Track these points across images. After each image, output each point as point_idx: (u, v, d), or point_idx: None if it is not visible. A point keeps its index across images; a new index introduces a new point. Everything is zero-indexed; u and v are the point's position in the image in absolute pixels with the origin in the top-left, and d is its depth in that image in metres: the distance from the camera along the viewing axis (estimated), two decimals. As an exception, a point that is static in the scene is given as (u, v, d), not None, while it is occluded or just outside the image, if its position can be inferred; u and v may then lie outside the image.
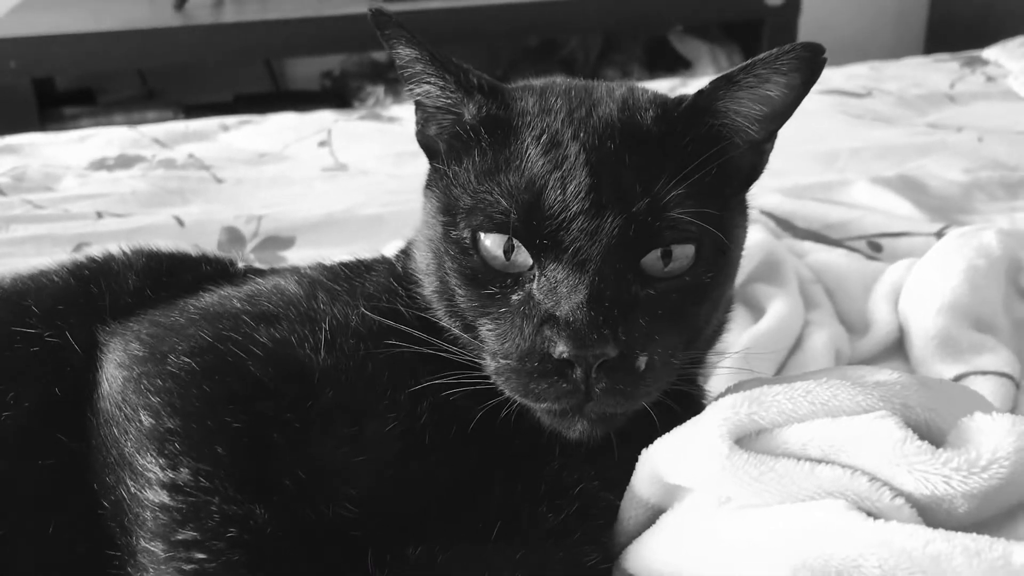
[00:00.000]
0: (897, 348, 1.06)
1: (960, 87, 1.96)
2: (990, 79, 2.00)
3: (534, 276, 0.65)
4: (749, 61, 0.67)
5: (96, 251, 0.84)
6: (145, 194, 1.54)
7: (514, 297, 0.65)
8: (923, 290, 1.06)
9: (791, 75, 0.68)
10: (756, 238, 1.15)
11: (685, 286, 0.66)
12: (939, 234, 1.27)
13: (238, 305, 0.72)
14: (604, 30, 3.35)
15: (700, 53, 3.26)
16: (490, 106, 0.70)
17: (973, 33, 3.14)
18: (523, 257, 0.65)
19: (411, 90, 0.73)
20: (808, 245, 1.26)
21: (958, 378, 0.95)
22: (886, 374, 0.64)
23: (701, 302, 0.68)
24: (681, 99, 0.70)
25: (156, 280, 0.78)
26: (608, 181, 0.64)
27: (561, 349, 0.61)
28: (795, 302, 1.09)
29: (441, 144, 0.73)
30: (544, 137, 0.67)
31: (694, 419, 0.63)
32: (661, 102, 0.71)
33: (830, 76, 2.07)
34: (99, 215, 1.46)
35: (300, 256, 1.29)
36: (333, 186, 1.60)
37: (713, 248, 0.67)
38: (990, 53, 2.11)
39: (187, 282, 0.78)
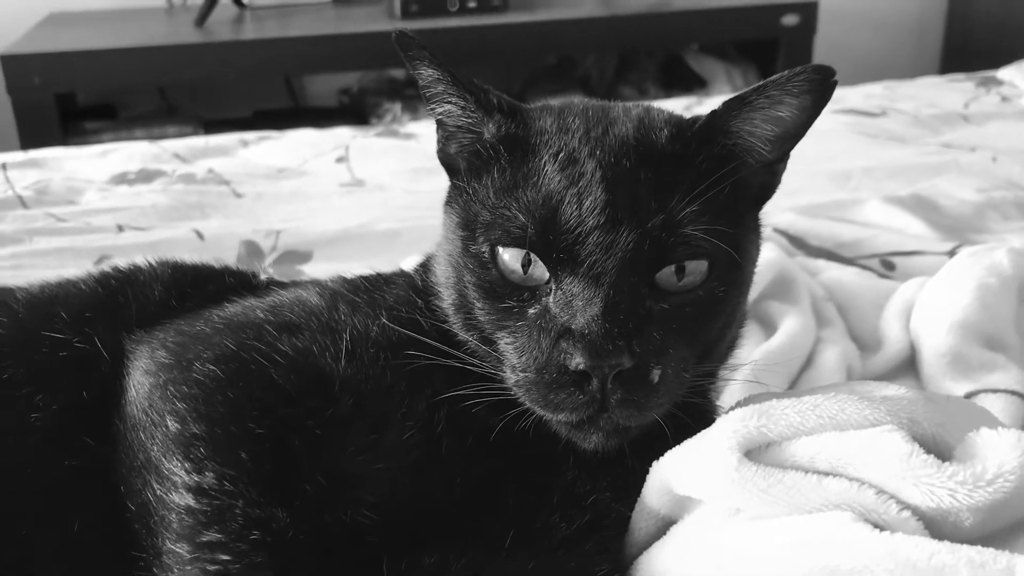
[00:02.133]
0: (908, 366, 1.07)
1: (974, 107, 1.97)
2: (1005, 99, 2.01)
3: (551, 290, 0.66)
4: (761, 83, 0.69)
5: (121, 262, 0.87)
6: (165, 208, 1.56)
7: (531, 311, 0.67)
8: (934, 308, 1.07)
9: (803, 97, 0.69)
10: (769, 256, 1.16)
11: (698, 301, 0.67)
12: (951, 253, 1.28)
13: (261, 315, 0.73)
14: (620, 49, 3.37)
15: (716, 72, 3.28)
16: (509, 125, 0.72)
17: (990, 53, 3.15)
18: (540, 271, 0.67)
19: (432, 109, 0.75)
20: (821, 263, 1.27)
21: (968, 396, 0.95)
22: (893, 389, 0.65)
23: (714, 317, 0.69)
24: (695, 119, 0.72)
25: (181, 291, 0.80)
26: (623, 197, 0.65)
27: (578, 361, 0.62)
28: (807, 319, 1.10)
29: (461, 162, 0.75)
30: (561, 155, 0.68)
31: (704, 431, 0.65)
32: (676, 122, 0.72)
33: (845, 95, 2.08)
34: (120, 228, 1.49)
35: (317, 270, 1.31)
36: (350, 201, 1.62)
37: (726, 264, 0.68)
38: (1005, 73, 2.12)
39: (211, 293, 0.80)
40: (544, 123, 0.72)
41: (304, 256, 1.40)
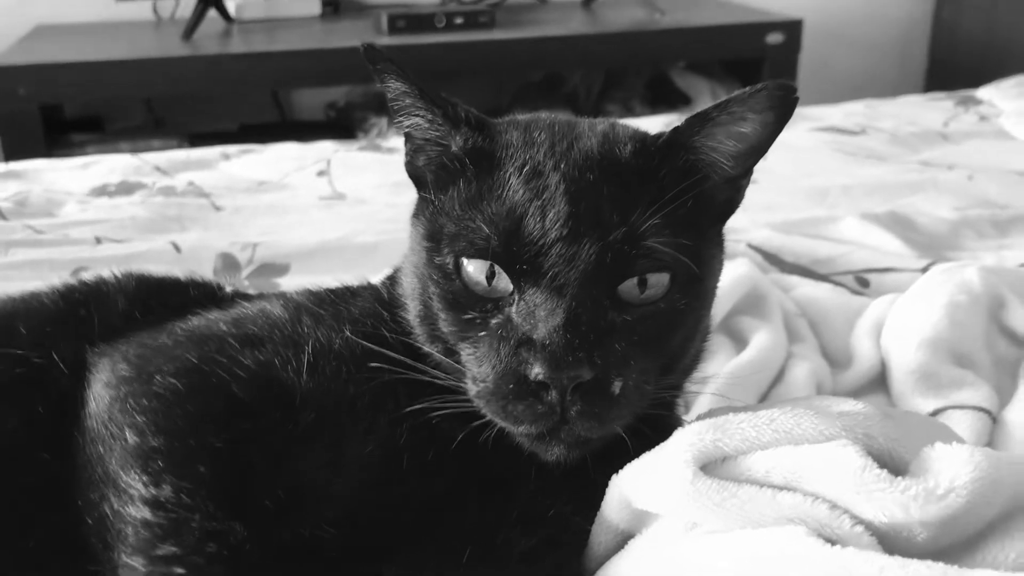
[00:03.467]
0: (879, 382, 1.07)
1: (953, 125, 1.98)
2: (983, 118, 2.02)
3: (514, 300, 0.66)
4: (724, 99, 0.69)
5: (88, 275, 0.86)
6: (144, 220, 1.56)
7: (493, 321, 0.67)
8: (904, 325, 1.07)
9: (765, 113, 0.69)
10: (741, 271, 1.17)
11: (660, 313, 0.68)
12: (925, 270, 1.29)
13: (224, 328, 0.73)
14: (607, 66, 3.39)
15: (701, 89, 3.29)
16: (476, 138, 0.72)
17: (973, 72, 3.17)
18: (504, 283, 0.67)
19: (400, 122, 0.76)
20: (795, 279, 1.28)
21: (936, 412, 0.96)
22: (850, 404, 0.65)
23: (675, 329, 0.69)
24: (660, 135, 0.72)
25: (145, 303, 0.80)
26: (586, 210, 0.66)
27: (537, 371, 0.62)
28: (779, 335, 1.10)
29: (429, 174, 0.75)
30: (526, 168, 0.69)
31: (661, 445, 0.65)
32: (640, 137, 0.73)
33: (826, 114, 2.10)
34: (98, 240, 1.48)
35: (294, 283, 1.31)
36: (330, 214, 1.62)
37: (688, 277, 0.69)
38: (984, 93, 2.14)
39: (176, 305, 0.80)
40: (510, 137, 0.72)
41: (281, 269, 1.40)
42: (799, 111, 2.11)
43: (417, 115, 0.74)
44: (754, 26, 3.09)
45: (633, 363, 0.65)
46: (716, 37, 3.12)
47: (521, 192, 0.67)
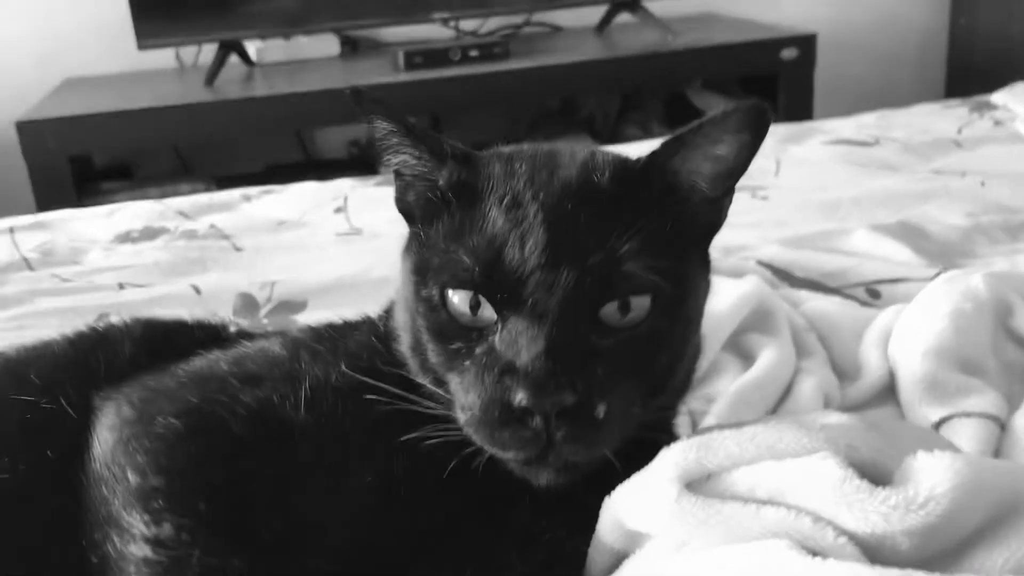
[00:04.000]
0: (888, 393, 1.07)
1: (967, 132, 1.98)
2: (998, 123, 2.01)
3: (497, 329, 0.68)
4: (698, 122, 0.71)
5: (100, 322, 0.90)
6: (166, 264, 1.60)
7: (478, 350, 0.68)
8: (910, 335, 1.07)
9: (740, 134, 0.71)
10: (746, 288, 1.17)
11: (642, 336, 0.69)
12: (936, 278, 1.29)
13: (225, 368, 0.76)
14: (623, 90, 3.41)
15: (717, 107, 3.28)
16: (460, 172, 0.74)
17: (992, 78, 3.14)
18: (488, 312, 0.69)
19: (389, 160, 0.78)
20: (804, 294, 1.28)
21: (943, 420, 0.96)
22: (835, 417, 0.66)
23: (659, 351, 0.70)
24: (638, 160, 0.74)
25: (151, 347, 0.83)
26: (564, 237, 0.67)
27: (520, 397, 0.64)
28: (786, 350, 1.11)
29: (417, 209, 0.77)
30: (506, 199, 0.70)
31: (648, 465, 0.66)
32: (619, 163, 0.74)
33: (838, 127, 2.10)
34: (121, 286, 1.52)
35: (312, 319, 1.32)
36: (346, 250, 1.65)
37: (670, 299, 0.70)
38: (999, 97, 2.13)
39: (181, 347, 0.83)
40: (492, 169, 0.74)
41: (299, 306, 1.43)
42: (811, 125, 2.13)
43: (405, 152, 0.76)
44: (767, 42, 3.10)
45: (617, 386, 0.66)
46: (730, 55, 3.13)
47: (501, 223, 0.69)
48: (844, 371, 1.13)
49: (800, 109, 3.10)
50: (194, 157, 3.39)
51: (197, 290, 1.46)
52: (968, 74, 3.45)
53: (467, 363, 0.69)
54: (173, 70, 3.40)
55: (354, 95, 0.74)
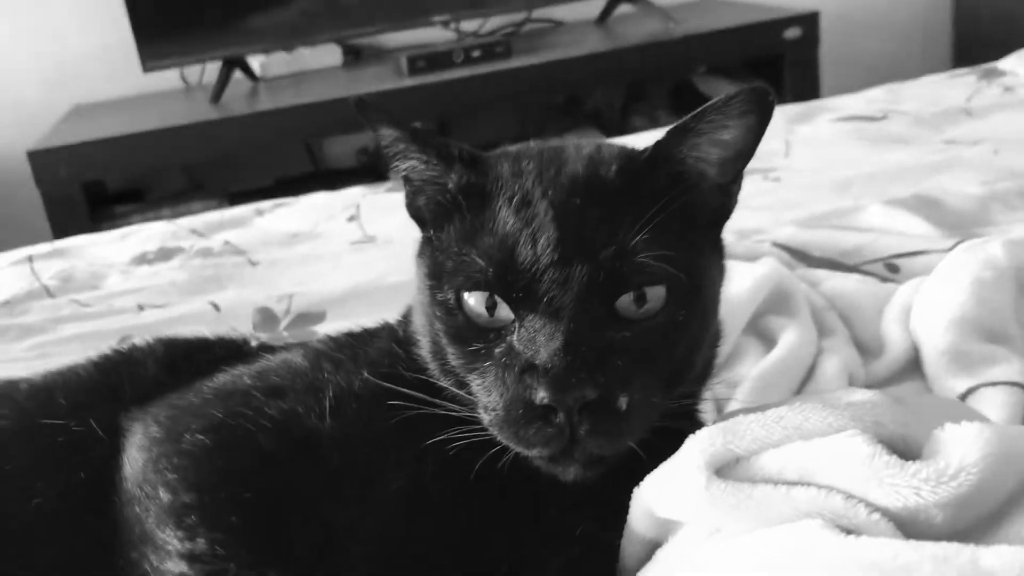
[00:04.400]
0: (913, 367, 1.07)
1: (976, 100, 1.96)
2: (1007, 89, 2.00)
3: (515, 328, 0.68)
4: (701, 109, 0.70)
5: (124, 344, 0.90)
6: (184, 283, 1.61)
7: (497, 350, 0.68)
8: (931, 308, 1.07)
9: (746, 117, 0.70)
10: (763, 271, 1.17)
11: (659, 327, 0.69)
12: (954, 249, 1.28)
13: (248, 382, 0.76)
14: (627, 81, 3.40)
15: (724, 91, 3.27)
16: (469, 174, 0.74)
17: (999, 45, 3.12)
18: (505, 312, 0.69)
19: (396, 167, 0.78)
20: (823, 273, 1.27)
21: (969, 391, 0.95)
22: (859, 394, 0.66)
23: (677, 341, 0.70)
24: (644, 150, 0.74)
25: (173, 366, 0.84)
26: (575, 233, 0.68)
27: (542, 395, 0.64)
28: (807, 331, 1.10)
29: (428, 214, 0.77)
30: (516, 198, 0.71)
31: (676, 454, 0.66)
32: (625, 155, 0.74)
33: (846, 103, 2.09)
34: (140, 308, 1.53)
35: (332, 328, 1.33)
36: (361, 258, 1.65)
37: (685, 288, 0.70)
38: (1006, 63, 2.11)
39: (203, 364, 0.83)
40: (501, 169, 0.74)
41: (318, 317, 1.43)
42: (819, 103, 2.12)
43: (412, 158, 0.76)
44: (770, 23, 3.09)
45: (637, 378, 0.66)
46: (733, 39, 3.12)
47: (512, 222, 0.69)
48: (867, 348, 1.13)
49: (807, 88, 3.09)
50: (204, 175, 3.40)
51: (216, 307, 1.47)
52: (975, 42, 3.42)
53: (487, 364, 0.69)
54: (179, 90, 3.42)
55: (358, 105, 0.74)
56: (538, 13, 3.50)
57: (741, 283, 1.14)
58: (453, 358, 0.71)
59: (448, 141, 0.76)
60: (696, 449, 0.63)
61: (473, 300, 0.69)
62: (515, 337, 0.68)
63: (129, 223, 2.83)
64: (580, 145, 0.77)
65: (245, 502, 0.67)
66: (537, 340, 0.66)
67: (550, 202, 0.69)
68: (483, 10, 3.31)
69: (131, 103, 3.30)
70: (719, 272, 0.77)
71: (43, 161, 2.81)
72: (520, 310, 0.68)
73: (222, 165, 3.43)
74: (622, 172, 0.72)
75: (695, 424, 0.78)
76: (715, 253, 0.77)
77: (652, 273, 0.68)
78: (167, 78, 3.33)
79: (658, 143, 0.72)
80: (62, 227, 2.77)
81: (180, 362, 0.84)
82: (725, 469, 0.63)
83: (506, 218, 0.69)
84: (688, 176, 0.73)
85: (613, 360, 0.66)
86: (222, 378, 0.78)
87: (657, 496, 0.65)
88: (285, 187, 3.20)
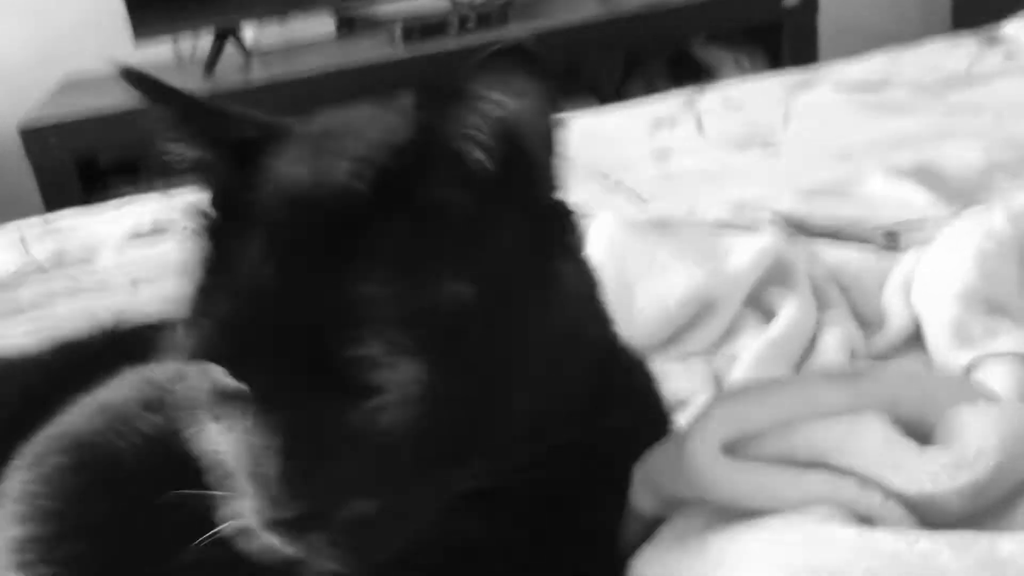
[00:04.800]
0: (914, 340, 1.05)
1: (977, 67, 1.94)
2: (1009, 56, 1.97)
3: None
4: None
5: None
6: (178, 260, 1.58)
7: None
8: (933, 279, 1.05)
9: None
10: (762, 244, 1.15)
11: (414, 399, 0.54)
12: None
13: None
14: (624, 49, 3.37)
15: (724, 60, 3.27)
16: None
17: (996, 11, 3.09)
18: None
19: None
20: (822, 244, 1.26)
21: (972, 362, 0.94)
22: (873, 372, 0.65)
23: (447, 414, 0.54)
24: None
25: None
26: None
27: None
28: (807, 304, 1.09)
29: None
30: None
31: (685, 428, 0.64)
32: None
33: (847, 71, 2.06)
34: (134, 284, 1.52)
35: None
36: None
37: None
38: (1009, 29, 2.09)
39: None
40: None
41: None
42: (817, 71, 2.09)
43: None
44: (768, -9, 3.06)
45: (392, 472, 0.53)
46: (730, 7, 3.10)
47: None
48: (868, 321, 1.11)
49: (806, 56, 3.06)
50: (199, 148, 3.37)
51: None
52: (974, 5, 3.38)
53: None
54: (172, 63, 3.38)
55: (124, 74, 0.64)
56: (534, -21, 3.45)
57: (741, 256, 1.13)
58: None
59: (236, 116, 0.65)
60: (705, 426, 0.62)
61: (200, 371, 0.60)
62: None
63: (109, 197, 2.82)
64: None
65: None
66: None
67: (266, 236, 0.55)
68: (479, -23, 3.27)
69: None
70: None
71: (35, 136, 2.78)
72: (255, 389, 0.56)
73: (215, 137, 3.40)
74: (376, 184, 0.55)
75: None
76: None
77: (381, 341, 0.52)
78: (159, 51, 3.28)
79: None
80: (55, 201, 2.75)
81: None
82: (736, 446, 0.61)
83: (218, 258, 0.62)
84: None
85: (345, 460, 0.52)
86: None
87: (661, 472, 0.64)
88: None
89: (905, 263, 1.14)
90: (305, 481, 0.51)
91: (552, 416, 0.58)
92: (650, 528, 0.67)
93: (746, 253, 1.12)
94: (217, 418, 0.56)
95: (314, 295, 0.51)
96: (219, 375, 0.55)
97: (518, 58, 0.53)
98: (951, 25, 3.53)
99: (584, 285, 0.62)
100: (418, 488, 0.53)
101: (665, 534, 0.64)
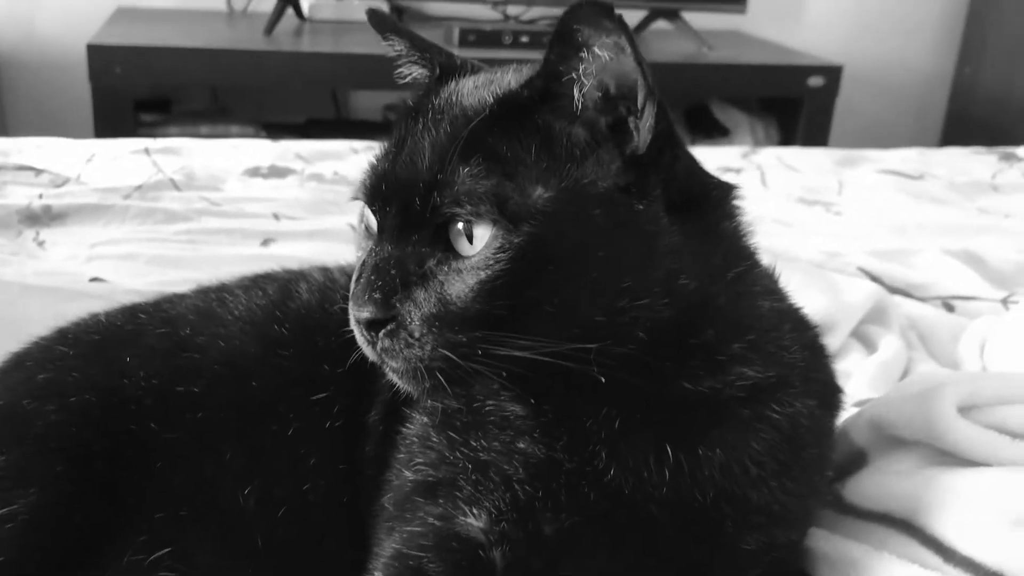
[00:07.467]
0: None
1: (1000, 178, 2.22)
2: (1024, 174, 2.26)
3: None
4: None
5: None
6: (308, 202, 1.74)
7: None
8: (1009, 342, 1.29)
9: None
10: (870, 287, 1.39)
11: (474, 267, 0.67)
12: (1004, 301, 1.51)
13: None
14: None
15: (739, 122, 3.52)
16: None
17: (988, 130, 3.43)
18: (375, 225, 0.74)
19: (401, 73, 0.84)
20: (899, 299, 1.49)
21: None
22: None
23: (492, 284, 0.67)
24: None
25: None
26: (408, 156, 0.71)
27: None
28: (901, 342, 1.32)
29: None
30: (425, 116, 0.73)
31: (922, 389, 0.85)
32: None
33: (885, 157, 2.32)
34: (276, 216, 1.66)
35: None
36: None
37: (509, 230, 0.67)
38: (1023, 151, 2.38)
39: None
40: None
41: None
42: (858, 153, 2.36)
43: (415, 64, 0.82)
44: (797, 68, 3.33)
45: (434, 309, 0.68)
46: (760, 75, 3.34)
47: (393, 138, 0.74)
48: (942, 365, 1.35)
49: (818, 133, 3.34)
50: (230, 99, 3.47)
51: (354, 228, 1.60)
52: (966, 123, 3.72)
53: None
54: (222, 13, 3.49)
55: (370, 15, 0.81)
56: (579, 13, 3.66)
57: (852, 294, 1.35)
58: None
59: (441, 49, 0.82)
60: (948, 390, 0.83)
61: (359, 207, 0.76)
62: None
63: (167, 134, 2.91)
64: (493, 79, 0.76)
65: None
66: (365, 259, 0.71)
67: (424, 124, 0.71)
68: (531, -2, 3.47)
69: (175, 16, 3.36)
70: (598, 225, 0.68)
71: (100, 58, 2.85)
72: (378, 225, 0.72)
73: (247, 93, 3.51)
74: (502, 102, 0.70)
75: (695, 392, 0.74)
76: (597, 202, 0.69)
77: (464, 208, 0.67)
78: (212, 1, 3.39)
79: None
80: (105, 127, 2.82)
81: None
82: (964, 411, 0.83)
83: (396, 133, 0.74)
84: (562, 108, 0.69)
85: (415, 289, 0.68)
86: None
87: (894, 418, 0.85)
88: (315, 128, 3.31)
89: (978, 326, 1.37)
90: (378, 291, 0.68)
91: (617, 334, 0.69)
92: (854, 457, 0.88)
93: (859, 291, 1.35)
94: (362, 249, 0.74)
95: (432, 166, 0.68)
96: (367, 213, 0.74)
97: (603, 11, 0.64)
98: (941, 137, 3.86)
99: (680, 236, 0.71)
100: (455, 328, 0.67)
101: (880, 464, 0.85)
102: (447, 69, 0.78)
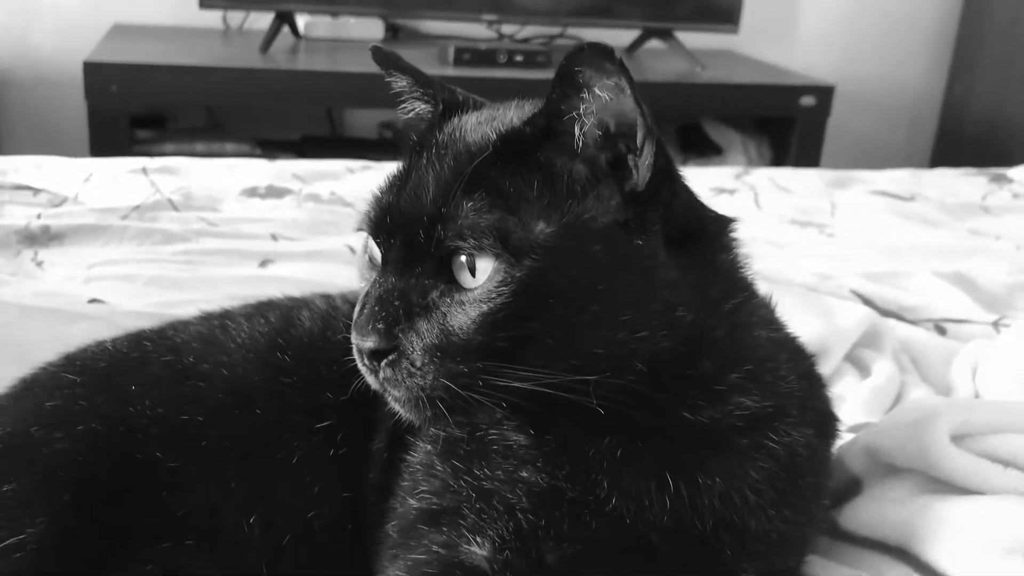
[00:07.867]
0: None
1: (991, 200, 2.24)
2: (1016, 196, 2.28)
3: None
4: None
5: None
6: (305, 223, 1.75)
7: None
8: (1001, 366, 1.30)
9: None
10: (863, 311, 1.40)
11: (477, 300, 0.69)
12: (995, 324, 1.53)
13: None
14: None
15: (732, 140, 3.55)
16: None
17: (978, 151, 3.46)
18: (378, 256, 0.75)
19: (404, 108, 0.85)
20: (892, 322, 1.51)
21: None
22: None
23: (494, 317, 0.69)
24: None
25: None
26: (413, 189, 0.72)
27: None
28: (894, 366, 1.33)
29: None
30: (428, 150, 0.75)
31: (916, 417, 0.87)
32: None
33: (875, 178, 2.35)
34: (274, 237, 1.67)
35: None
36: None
37: (512, 264, 0.68)
38: (1015, 173, 2.40)
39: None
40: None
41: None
42: (849, 174, 2.38)
43: (417, 100, 0.84)
44: (790, 88, 3.36)
45: (436, 340, 0.69)
46: (753, 95, 3.37)
47: (398, 171, 0.76)
48: (934, 389, 1.36)
49: (809, 153, 3.36)
50: (225, 116, 3.49)
51: (352, 250, 1.62)
52: (957, 143, 3.75)
53: None
54: (218, 31, 3.51)
55: (375, 52, 0.84)
56: (572, 32, 3.70)
57: (846, 318, 1.37)
58: None
59: (444, 85, 0.83)
60: (940, 418, 0.85)
61: (363, 238, 0.78)
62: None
63: (162, 152, 2.93)
64: (495, 115, 0.78)
65: None
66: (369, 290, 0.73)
67: (428, 159, 0.73)
68: (528, 17, 3.49)
69: (172, 33, 3.37)
70: (595, 260, 0.70)
71: (97, 75, 2.86)
72: (382, 256, 0.74)
73: (241, 111, 3.52)
74: (504, 138, 0.72)
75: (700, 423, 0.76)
76: (594, 238, 0.70)
77: (467, 242, 0.68)
78: (205, 17, 3.40)
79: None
80: (101, 145, 2.83)
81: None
82: (956, 440, 0.84)
83: (402, 166, 0.76)
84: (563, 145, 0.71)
85: (417, 320, 0.70)
86: None
87: (887, 446, 0.87)
88: (311, 145, 3.33)
89: (970, 349, 1.39)
90: (381, 321, 0.69)
91: (616, 366, 0.71)
92: (849, 484, 0.89)
93: (852, 315, 1.37)
94: (365, 280, 0.75)
95: (436, 200, 0.70)
96: (371, 244, 0.75)
97: (604, 54, 0.67)
98: (931, 157, 3.89)
99: (678, 270, 0.72)
100: (457, 359, 0.69)
101: (874, 491, 0.86)
102: (450, 105, 0.80)
